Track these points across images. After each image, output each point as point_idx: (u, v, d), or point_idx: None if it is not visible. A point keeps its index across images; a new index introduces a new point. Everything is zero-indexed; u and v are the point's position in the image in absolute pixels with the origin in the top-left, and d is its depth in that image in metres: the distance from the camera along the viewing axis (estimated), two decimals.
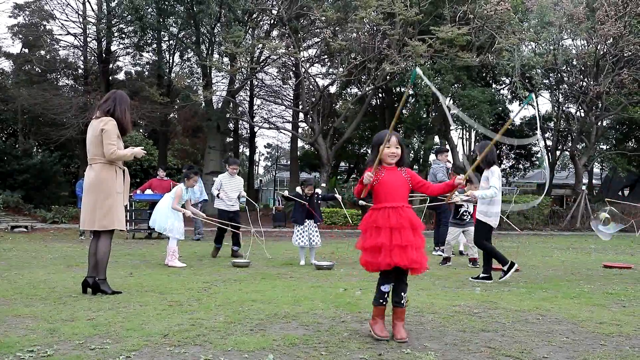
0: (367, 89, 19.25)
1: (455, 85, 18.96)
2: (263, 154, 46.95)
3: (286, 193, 8.38)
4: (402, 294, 3.42)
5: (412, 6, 16.28)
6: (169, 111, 22.71)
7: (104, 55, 21.72)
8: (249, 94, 26.27)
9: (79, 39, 22.25)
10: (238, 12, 17.73)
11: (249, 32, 19.64)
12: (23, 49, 24.71)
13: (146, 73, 25.79)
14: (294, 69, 22.06)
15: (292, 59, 19.79)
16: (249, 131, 29.83)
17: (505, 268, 5.98)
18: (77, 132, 19.13)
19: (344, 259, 8.35)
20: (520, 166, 29.76)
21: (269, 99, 25.72)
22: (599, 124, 20.65)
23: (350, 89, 23.92)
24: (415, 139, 22.81)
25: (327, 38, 17.21)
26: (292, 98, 24.94)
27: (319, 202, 7.88)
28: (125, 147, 5.04)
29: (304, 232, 7.52)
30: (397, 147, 3.43)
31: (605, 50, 18.26)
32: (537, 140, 17.53)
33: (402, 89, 22.89)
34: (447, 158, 9.66)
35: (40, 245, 10.24)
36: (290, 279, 6.01)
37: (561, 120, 22.86)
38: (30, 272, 6.28)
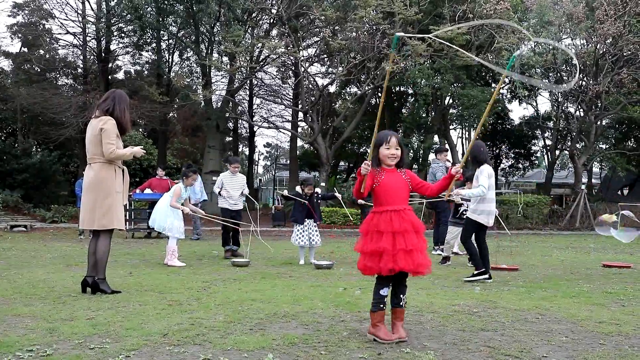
0: (366, 88, 19.25)
1: (455, 84, 18.97)
2: (262, 153, 46.97)
3: (285, 192, 8.37)
4: (402, 295, 3.41)
5: (411, 5, 16.28)
6: (168, 110, 22.71)
7: (103, 55, 21.72)
8: (248, 93, 26.24)
9: (79, 38, 22.26)
10: (237, 11, 17.72)
11: (249, 31, 19.61)
12: (22, 48, 24.67)
13: (145, 72, 25.79)
14: (293, 68, 22.02)
15: (292, 58, 19.76)
16: (248, 130, 29.80)
17: (476, 272, 5.97)
18: (76, 132, 19.11)
19: (343, 258, 8.35)
20: (520, 165, 29.77)
21: (269, 98, 25.69)
22: (599, 123, 20.66)
23: (350, 88, 23.93)
24: (414, 138, 22.83)
25: (326, 37, 17.22)
26: (291, 97, 24.91)
27: (319, 201, 7.88)
28: (125, 146, 5.04)
29: (303, 231, 7.51)
30: (397, 148, 3.40)
31: (604, 49, 18.27)
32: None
33: (402, 89, 22.94)
34: (447, 157, 9.66)
35: (39, 245, 10.23)
36: (290, 279, 6.02)
37: (560, 119, 22.87)
38: (29, 272, 6.28)
